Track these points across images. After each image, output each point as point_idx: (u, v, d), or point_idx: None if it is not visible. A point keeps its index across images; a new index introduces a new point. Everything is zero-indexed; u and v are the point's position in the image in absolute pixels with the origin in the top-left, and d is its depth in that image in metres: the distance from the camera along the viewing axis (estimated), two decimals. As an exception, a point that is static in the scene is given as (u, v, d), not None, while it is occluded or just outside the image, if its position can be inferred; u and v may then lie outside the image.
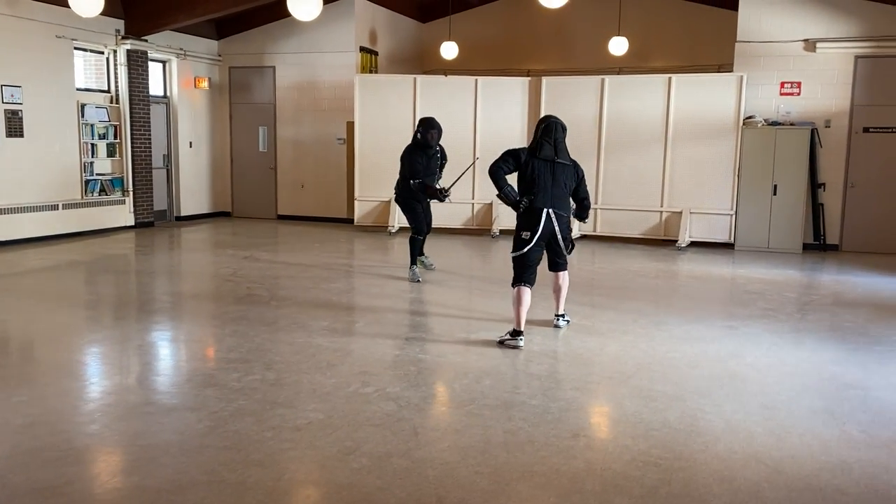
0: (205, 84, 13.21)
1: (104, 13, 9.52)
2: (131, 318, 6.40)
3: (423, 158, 7.85)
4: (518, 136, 11.68)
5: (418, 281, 7.88)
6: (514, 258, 5.59)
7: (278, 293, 7.26)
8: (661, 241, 11.07)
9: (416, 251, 8.09)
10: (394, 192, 8.23)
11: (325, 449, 3.60)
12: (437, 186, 7.92)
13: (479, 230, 11.91)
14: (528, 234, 5.49)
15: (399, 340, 5.63)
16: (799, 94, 10.64)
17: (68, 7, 9.34)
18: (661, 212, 11.07)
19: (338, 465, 3.43)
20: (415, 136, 7.97)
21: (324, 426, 3.87)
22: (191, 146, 13.18)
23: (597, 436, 3.88)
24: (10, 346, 5.60)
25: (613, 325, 6.16)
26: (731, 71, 11.10)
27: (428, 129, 7.83)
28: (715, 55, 12.45)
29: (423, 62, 14.60)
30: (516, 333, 5.49)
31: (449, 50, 12.66)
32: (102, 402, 4.25)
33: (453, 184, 8.16)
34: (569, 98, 11.41)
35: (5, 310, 6.58)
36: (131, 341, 5.61)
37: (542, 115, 11.38)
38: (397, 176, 8.13)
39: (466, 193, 11.83)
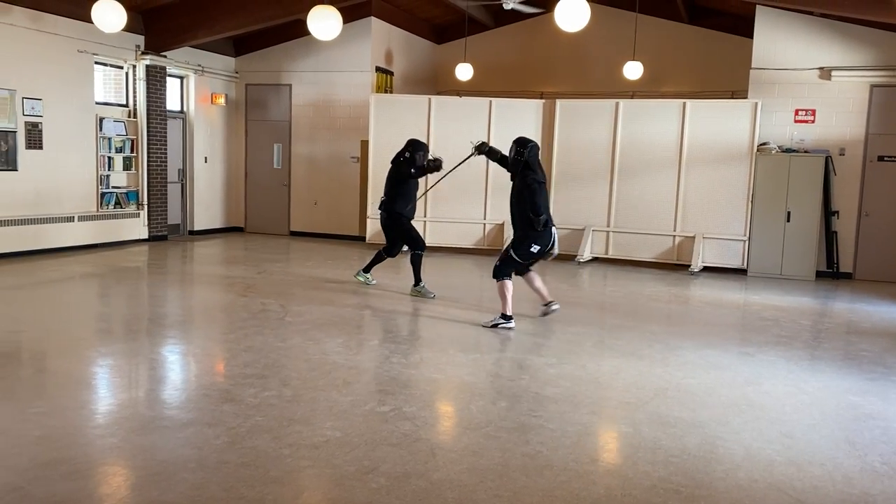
0: (221, 100, 13.33)
1: (125, 29, 9.63)
2: (146, 331, 6.42)
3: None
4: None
5: (433, 296, 7.99)
6: (514, 260, 6.69)
7: (292, 309, 7.27)
8: (674, 266, 11.05)
9: (420, 268, 8.21)
10: (382, 215, 8.28)
11: (343, 468, 3.59)
12: (429, 159, 8.13)
13: (489, 250, 11.90)
14: (538, 248, 6.67)
15: (414, 359, 5.62)
16: (813, 121, 10.66)
17: (90, 22, 9.46)
18: (674, 236, 11.06)
19: (356, 485, 3.41)
20: (402, 155, 8.15)
21: (341, 444, 3.86)
22: (206, 161, 13.27)
23: (616, 461, 3.85)
24: (26, 357, 5.62)
25: (629, 349, 6.14)
26: (744, 97, 11.14)
27: (417, 150, 8.09)
28: (728, 81, 12.52)
29: (438, 83, 14.70)
30: (510, 318, 6.62)
31: (464, 71, 12.73)
32: (119, 416, 4.25)
33: (453, 169, 8.35)
34: (583, 121, 11.46)
35: (22, 321, 6.60)
36: (146, 355, 5.63)
37: (556, 135, 11.51)
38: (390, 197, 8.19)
39: (478, 213, 11.88)
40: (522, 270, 6.95)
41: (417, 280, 8.18)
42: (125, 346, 5.84)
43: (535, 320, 7.26)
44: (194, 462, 3.59)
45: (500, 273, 6.75)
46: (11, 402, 4.39)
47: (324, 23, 8.41)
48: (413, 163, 8.06)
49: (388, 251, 8.44)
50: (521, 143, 6.77)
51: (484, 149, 7.35)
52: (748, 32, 12.32)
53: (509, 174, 6.92)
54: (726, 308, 8.43)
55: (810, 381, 5.42)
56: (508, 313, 6.67)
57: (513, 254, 6.73)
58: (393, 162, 8.24)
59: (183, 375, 5.29)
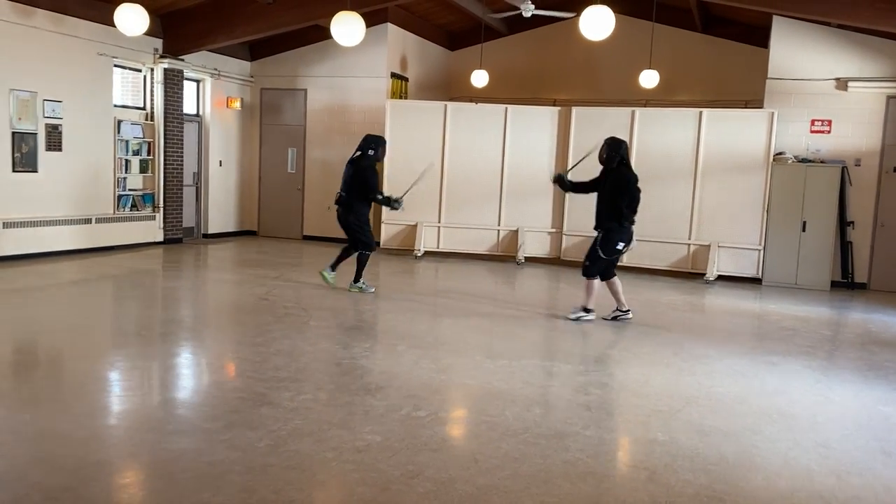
0: (237, 104, 13.37)
1: (144, 32, 9.68)
2: (173, 334, 6.44)
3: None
4: (546, 165, 11.78)
5: (373, 290, 8.40)
6: (601, 259, 7.20)
7: (315, 313, 7.29)
8: (688, 274, 11.07)
9: (364, 268, 8.42)
10: (340, 209, 8.32)
11: (388, 472, 3.61)
12: (391, 196, 8.39)
13: (503, 256, 11.95)
14: (623, 244, 7.20)
15: (442, 364, 5.64)
16: (829, 132, 10.70)
17: (110, 25, 9.54)
18: (689, 244, 11.08)
19: (403, 489, 3.44)
20: (364, 152, 8.17)
21: (383, 449, 3.88)
22: (220, 165, 13.32)
23: (656, 469, 3.86)
24: (61, 359, 5.64)
25: (654, 358, 6.17)
26: (758, 107, 11.19)
27: (380, 145, 8.29)
28: (742, 91, 12.58)
29: (451, 89, 14.76)
30: (591, 311, 7.31)
31: (480, 78, 12.79)
32: (159, 418, 4.27)
33: (407, 192, 8.54)
34: (598, 129, 11.41)
35: (48, 322, 6.63)
36: (177, 357, 5.66)
37: (571, 143, 11.54)
38: (358, 196, 8.21)
39: (492, 219, 11.91)
40: (609, 275, 7.41)
41: (357, 278, 8.37)
42: (155, 349, 5.87)
43: (553, 327, 7.29)
44: (240, 465, 3.61)
45: (590, 272, 7.31)
46: (53, 403, 4.42)
47: (347, 28, 8.46)
48: (377, 159, 8.24)
49: (366, 248, 8.38)
50: (617, 142, 7.32)
51: (563, 181, 7.82)
52: (762, 42, 12.39)
53: (600, 172, 7.43)
54: (745, 317, 8.46)
55: (838, 390, 5.45)
56: (590, 307, 7.35)
57: (600, 252, 7.21)
58: (357, 160, 8.19)
59: (216, 378, 5.31)
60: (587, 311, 7.35)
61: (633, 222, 7.23)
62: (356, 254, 8.40)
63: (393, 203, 8.29)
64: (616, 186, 7.20)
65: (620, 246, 7.23)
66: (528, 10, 9.99)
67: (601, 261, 7.25)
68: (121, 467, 3.55)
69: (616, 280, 7.46)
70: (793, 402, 5.09)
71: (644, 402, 5.00)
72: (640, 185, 7.35)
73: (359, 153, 8.26)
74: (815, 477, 3.81)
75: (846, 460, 4.06)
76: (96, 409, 4.37)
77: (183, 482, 3.45)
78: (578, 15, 8.33)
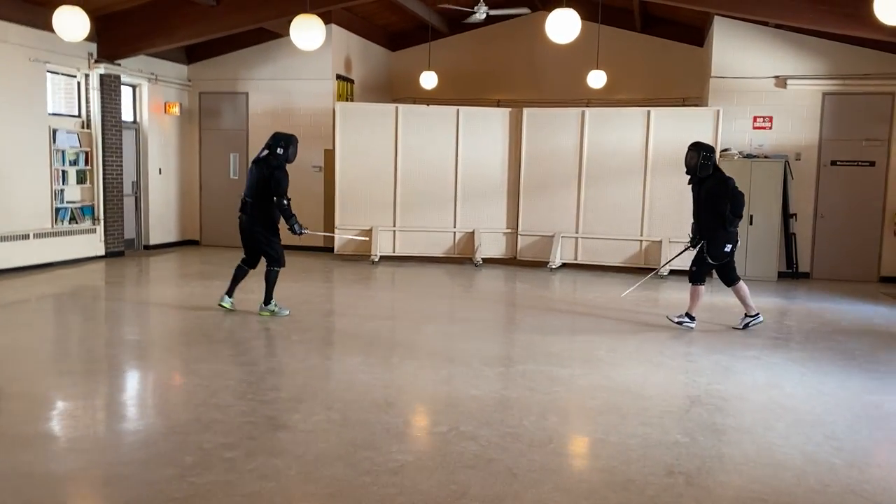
0: (175, 109, 12.88)
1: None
2: (152, 357, 6.14)
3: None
4: (499, 165, 11.84)
5: (288, 313, 7.44)
6: (709, 263, 7.22)
7: (293, 326, 7.08)
8: (641, 270, 11.30)
9: (274, 287, 7.48)
10: (244, 217, 7.36)
11: (432, 493, 3.53)
12: (296, 218, 7.46)
13: (460, 258, 11.93)
14: (730, 247, 7.18)
15: (442, 375, 5.56)
16: (771, 128, 11.13)
17: (42, 29, 9.05)
18: (641, 241, 11.33)
19: (454, 511, 3.37)
20: (272, 152, 7.23)
21: (418, 469, 3.80)
22: (160, 173, 12.81)
23: (690, 472, 3.89)
24: (37, 392, 5.27)
25: (643, 356, 6.26)
26: (695, 104, 11.54)
27: (290, 144, 7.31)
28: (679, 89, 12.95)
29: (394, 90, 14.65)
30: (693, 318, 7.28)
31: (429, 79, 12.73)
32: (174, 450, 4.03)
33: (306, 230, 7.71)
34: (550, 129, 11.62)
35: (7, 349, 6.21)
36: (167, 381, 5.40)
37: (524, 143, 11.61)
38: (272, 204, 7.28)
39: (448, 221, 11.88)
40: (734, 280, 7.35)
41: (268, 299, 7.45)
42: (136, 374, 5.58)
43: (534, 328, 7.31)
44: (279, 496, 3.46)
45: (696, 277, 7.32)
46: (49, 442, 4.13)
47: (307, 33, 8.29)
48: (287, 159, 7.25)
49: (275, 263, 7.50)
50: (707, 148, 7.23)
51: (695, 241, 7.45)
52: (698, 41, 12.80)
53: (690, 178, 7.39)
54: (707, 311, 8.63)
55: (824, 381, 5.65)
56: (693, 314, 7.33)
57: (708, 258, 7.21)
58: (265, 159, 7.26)
59: (216, 401, 5.01)
60: (691, 318, 7.31)
61: (737, 225, 7.18)
62: (265, 272, 7.42)
63: (295, 224, 7.38)
64: (715, 193, 7.10)
65: (728, 248, 7.18)
66: (482, 12, 9.98)
67: (708, 266, 7.26)
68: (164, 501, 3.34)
69: (742, 285, 7.39)
70: (788, 396, 5.25)
71: (651, 403, 5.06)
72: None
73: (266, 152, 7.28)
74: (839, 471, 3.93)
75: (860, 452, 4.21)
76: (99, 444, 4.11)
77: (225, 519, 3.28)
78: (533, 11, 8.34)
